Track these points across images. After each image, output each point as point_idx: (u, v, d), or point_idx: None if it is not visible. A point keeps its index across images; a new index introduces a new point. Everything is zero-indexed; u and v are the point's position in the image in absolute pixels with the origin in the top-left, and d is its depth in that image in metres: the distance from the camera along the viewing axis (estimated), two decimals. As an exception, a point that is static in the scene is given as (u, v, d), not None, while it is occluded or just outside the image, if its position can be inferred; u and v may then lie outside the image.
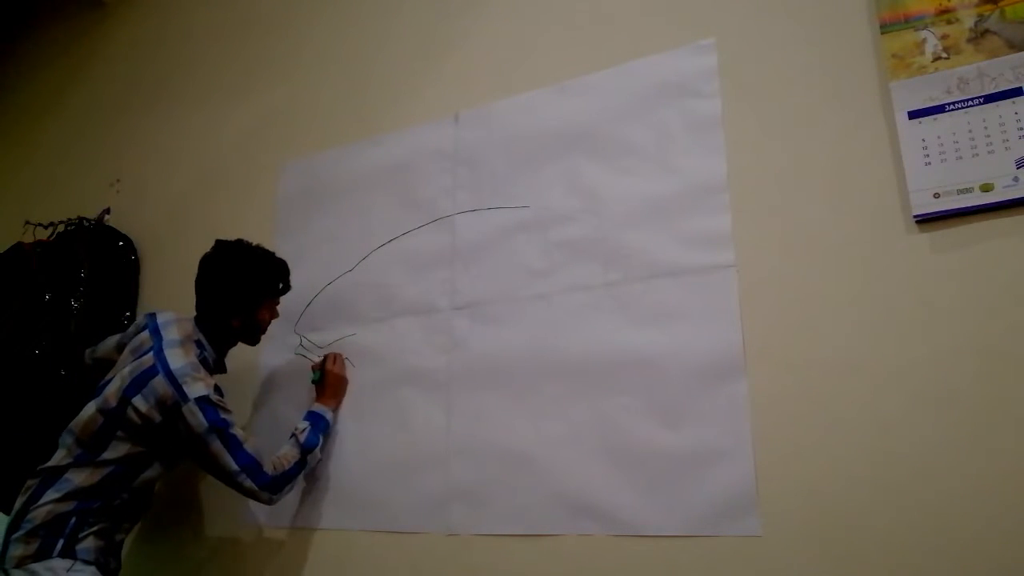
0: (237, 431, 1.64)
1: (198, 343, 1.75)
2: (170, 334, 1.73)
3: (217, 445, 1.61)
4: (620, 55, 1.71)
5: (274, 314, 1.86)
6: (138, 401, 1.62)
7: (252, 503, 1.84)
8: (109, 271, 2.32)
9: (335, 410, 1.82)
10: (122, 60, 2.81)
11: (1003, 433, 1.18)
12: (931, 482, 1.21)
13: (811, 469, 1.30)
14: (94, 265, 2.31)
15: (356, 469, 1.77)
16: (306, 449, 1.71)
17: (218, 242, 1.81)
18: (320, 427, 1.76)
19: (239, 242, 1.81)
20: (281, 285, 1.83)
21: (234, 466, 1.62)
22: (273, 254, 1.83)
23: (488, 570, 1.54)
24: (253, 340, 1.86)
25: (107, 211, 2.47)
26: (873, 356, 1.30)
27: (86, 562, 1.58)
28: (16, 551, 1.57)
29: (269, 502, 1.68)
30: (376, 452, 1.76)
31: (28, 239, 2.43)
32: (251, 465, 1.62)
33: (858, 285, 1.34)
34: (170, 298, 2.22)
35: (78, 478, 1.62)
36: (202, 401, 1.61)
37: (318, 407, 1.79)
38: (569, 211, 1.67)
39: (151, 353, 1.68)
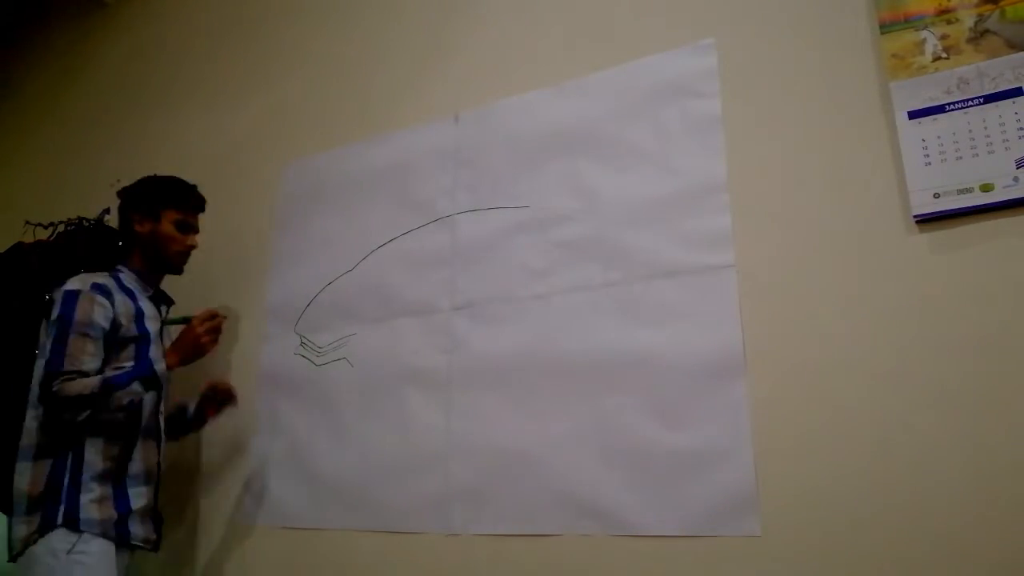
0: (80, 343, 1.54)
1: (100, 287, 1.65)
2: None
3: (48, 341, 1.56)
4: (620, 55, 1.71)
5: (186, 237, 1.80)
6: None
7: (248, 503, 1.84)
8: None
9: (172, 368, 1.66)
10: (123, 61, 2.82)
11: (1003, 433, 1.18)
12: (931, 482, 1.21)
13: (811, 469, 1.30)
14: (94, 265, 2.30)
15: (356, 469, 1.76)
16: (108, 383, 1.54)
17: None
18: (139, 371, 1.60)
19: None
20: (180, 193, 1.82)
21: (40, 367, 1.56)
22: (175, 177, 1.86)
23: (488, 570, 1.54)
24: (167, 262, 1.80)
25: (107, 211, 2.46)
26: (873, 356, 1.30)
27: (92, 534, 1.50)
28: (20, 532, 1.51)
29: (40, 415, 1.56)
30: (376, 452, 1.75)
31: (28, 239, 2.42)
32: (50, 371, 1.52)
33: (858, 285, 1.34)
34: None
35: (28, 438, 1.56)
36: (69, 294, 1.57)
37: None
38: (569, 211, 1.67)
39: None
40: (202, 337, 1.69)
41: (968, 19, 1.34)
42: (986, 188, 1.27)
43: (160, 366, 1.63)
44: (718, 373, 1.41)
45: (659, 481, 1.42)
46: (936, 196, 1.30)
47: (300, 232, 2.06)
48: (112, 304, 1.64)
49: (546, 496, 1.52)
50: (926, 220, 1.30)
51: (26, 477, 1.54)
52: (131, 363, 1.64)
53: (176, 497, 1.99)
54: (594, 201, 1.65)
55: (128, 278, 1.75)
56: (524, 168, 1.76)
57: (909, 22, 1.38)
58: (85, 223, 2.39)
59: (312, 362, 1.92)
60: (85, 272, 1.67)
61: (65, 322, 1.56)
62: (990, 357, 1.22)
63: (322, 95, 2.18)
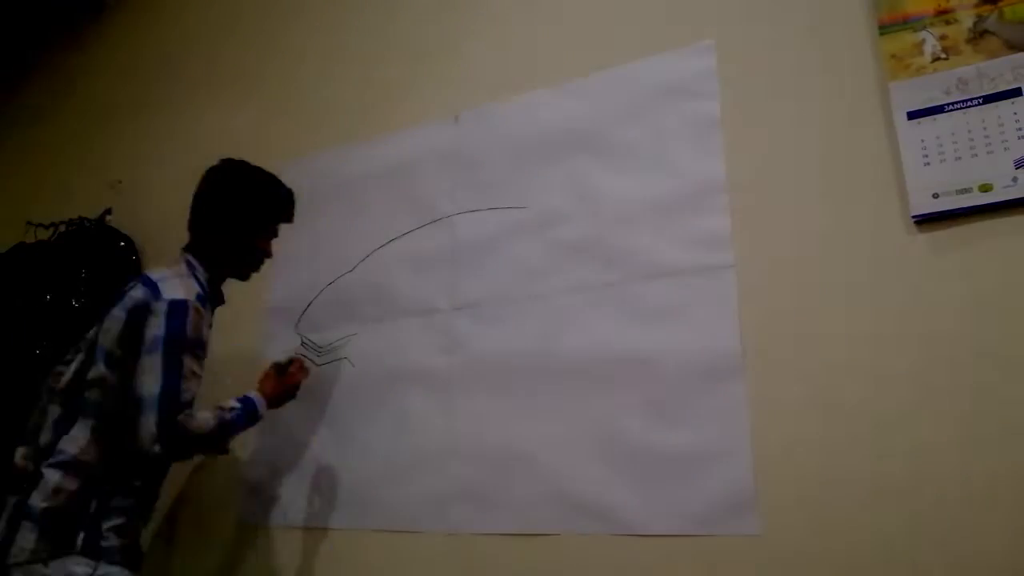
0: (192, 364, 1.40)
1: (192, 274, 1.55)
2: (157, 272, 1.53)
3: (155, 359, 1.36)
4: (620, 56, 1.71)
5: (269, 247, 1.70)
6: (109, 319, 1.44)
7: (248, 502, 1.83)
8: (110, 271, 2.32)
9: (268, 409, 1.63)
10: (123, 61, 2.82)
11: (1002, 433, 1.18)
12: (929, 481, 1.21)
13: (810, 468, 1.30)
14: (95, 265, 2.31)
15: (356, 469, 1.77)
16: (226, 425, 1.46)
17: (223, 160, 1.69)
18: (248, 410, 1.53)
19: (246, 162, 1.68)
20: (284, 210, 1.69)
21: (153, 391, 1.34)
22: (281, 181, 1.69)
23: (488, 569, 1.55)
24: (243, 270, 1.68)
25: (108, 212, 2.47)
26: (871, 356, 1.30)
27: (112, 562, 1.36)
28: (27, 541, 1.34)
29: (152, 451, 1.34)
30: (376, 452, 1.76)
31: (30, 239, 2.44)
32: (169, 402, 1.34)
33: (857, 285, 1.34)
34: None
35: (73, 447, 1.39)
36: (176, 305, 1.39)
37: (256, 395, 1.59)
38: (569, 212, 1.68)
39: (136, 285, 1.49)
40: (296, 388, 1.69)
41: (967, 20, 1.34)
42: (985, 188, 1.27)
43: (263, 408, 1.58)
44: (717, 373, 1.42)
45: (659, 480, 1.42)
46: (935, 196, 1.30)
47: (301, 232, 2.05)
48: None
49: (546, 495, 1.52)
50: (925, 220, 1.30)
51: (49, 486, 1.38)
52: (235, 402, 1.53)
53: (177, 497, 2.00)
54: (594, 201, 1.65)
55: (202, 277, 1.57)
56: (524, 168, 1.76)
57: (908, 23, 1.38)
58: (86, 223, 2.40)
59: (313, 362, 1.93)
60: (168, 270, 1.48)
61: (177, 341, 1.38)
62: (989, 357, 1.22)
63: (322, 95, 2.19)
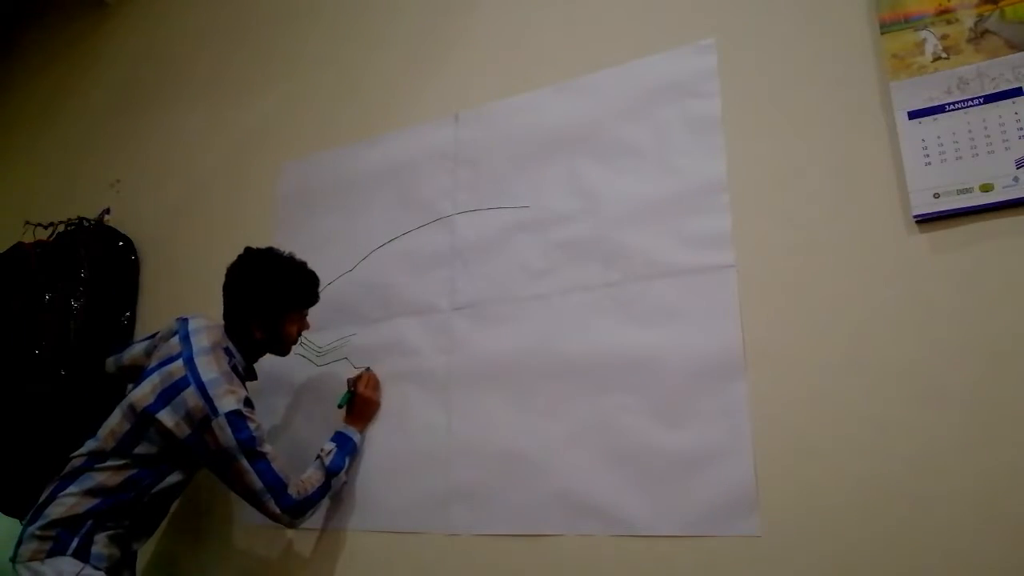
0: (266, 447, 1.60)
1: (227, 350, 1.69)
2: (200, 341, 1.67)
3: (243, 462, 1.57)
4: (620, 55, 1.71)
5: (303, 326, 1.79)
6: (164, 415, 1.58)
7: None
8: (109, 271, 2.32)
9: (363, 432, 1.78)
10: (122, 60, 2.82)
11: (1003, 433, 1.18)
12: (931, 482, 1.21)
13: (811, 469, 1.30)
14: (94, 265, 2.31)
15: (356, 469, 1.77)
16: (331, 472, 1.67)
17: (246, 249, 1.75)
18: (347, 449, 1.71)
19: (268, 251, 1.75)
20: (306, 299, 1.77)
21: (259, 485, 1.57)
22: (303, 265, 1.76)
23: (488, 570, 1.55)
24: (281, 352, 1.80)
25: (107, 211, 2.47)
26: (873, 356, 1.30)
27: (96, 568, 1.54)
28: (30, 545, 1.54)
29: (291, 525, 1.64)
30: (376, 452, 1.76)
31: (28, 239, 2.43)
32: (276, 486, 1.58)
33: (858, 285, 1.34)
34: (170, 298, 2.23)
35: (101, 476, 1.59)
36: (233, 416, 1.56)
37: (345, 428, 1.75)
38: (569, 211, 1.67)
39: (180, 361, 1.63)
40: (376, 399, 1.80)
41: (968, 19, 1.34)
42: (986, 188, 1.27)
43: (358, 438, 1.76)
44: (718, 373, 1.42)
45: (659, 481, 1.42)
46: (936, 196, 1.30)
47: (300, 232, 2.06)
48: (252, 407, 1.66)
49: (546, 496, 1.52)
50: (926, 220, 1.30)
51: (64, 504, 1.56)
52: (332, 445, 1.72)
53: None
54: (594, 201, 1.65)
55: (239, 362, 1.73)
56: (524, 168, 1.76)
57: (909, 22, 1.38)
58: (85, 223, 2.40)
59: (313, 362, 1.93)
60: (220, 375, 1.61)
61: (248, 446, 1.58)
62: (990, 357, 1.22)
63: (322, 95, 2.18)
